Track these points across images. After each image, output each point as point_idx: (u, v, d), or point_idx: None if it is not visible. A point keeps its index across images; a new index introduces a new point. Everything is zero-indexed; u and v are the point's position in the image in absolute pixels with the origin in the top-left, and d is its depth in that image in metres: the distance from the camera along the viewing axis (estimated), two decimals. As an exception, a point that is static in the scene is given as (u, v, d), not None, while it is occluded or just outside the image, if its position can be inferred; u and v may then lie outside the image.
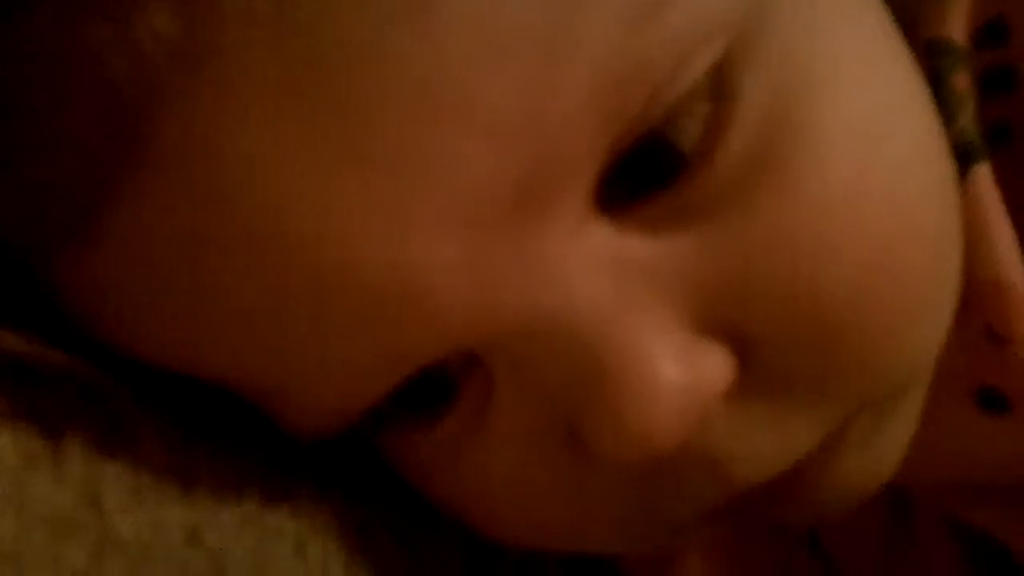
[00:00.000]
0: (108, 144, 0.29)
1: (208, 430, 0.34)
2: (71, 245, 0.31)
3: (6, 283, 0.33)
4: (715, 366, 0.32)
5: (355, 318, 0.31)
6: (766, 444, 0.34)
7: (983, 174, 0.38)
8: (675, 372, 0.31)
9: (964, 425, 0.40)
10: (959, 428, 0.40)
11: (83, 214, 0.30)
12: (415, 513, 0.37)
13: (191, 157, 0.29)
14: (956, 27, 0.39)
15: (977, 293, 0.38)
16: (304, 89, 0.28)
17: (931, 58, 0.39)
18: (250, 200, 0.29)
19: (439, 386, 0.34)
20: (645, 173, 0.31)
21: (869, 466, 0.37)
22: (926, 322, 0.35)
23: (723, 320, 0.32)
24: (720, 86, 0.31)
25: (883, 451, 0.37)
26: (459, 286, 0.30)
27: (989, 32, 0.39)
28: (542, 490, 0.35)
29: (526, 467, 0.34)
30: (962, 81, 0.39)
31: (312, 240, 0.30)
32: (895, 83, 0.35)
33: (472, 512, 0.37)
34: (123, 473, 0.31)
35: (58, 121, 0.29)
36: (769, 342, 0.33)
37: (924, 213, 0.34)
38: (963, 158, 0.38)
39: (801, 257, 0.32)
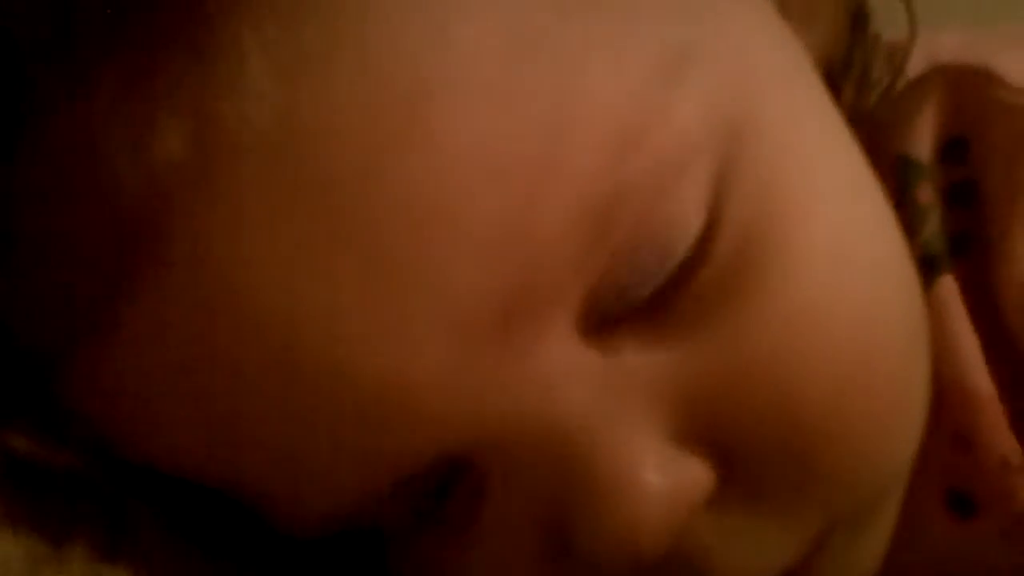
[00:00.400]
0: (121, 257, 0.31)
1: (206, 530, 0.34)
2: (80, 350, 0.32)
3: (17, 381, 0.34)
4: (697, 475, 0.34)
5: (346, 422, 0.32)
6: (746, 552, 0.35)
7: (947, 284, 0.40)
8: (659, 480, 0.33)
9: (933, 526, 0.41)
10: (928, 529, 0.42)
11: (93, 322, 0.32)
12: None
13: (198, 270, 0.30)
14: (922, 144, 0.41)
15: (944, 398, 0.39)
16: (304, 207, 0.30)
17: (898, 173, 0.41)
18: (251, 312, 0.31)
19: (432, 487, 0.35)
20: (633, 288, 0.33)
21: (847, 572, 0.38)
22: (898, 430, 0.37)
23: (704, 430, 0.34)
24: (703, 208, 0.33)
25: (861, 557, 0.38)
26: (448, 394, 0.32)
27: (951, 149, 0.41)
28: None
29: (511, 567, 0.35)
30: (926, 195, 0.41)
31: (307, 346, 0.31)
32: (864, 206, 0.37)
33: None
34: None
35: (73, 234, 0.31)
36: (748, 452, 0.34)
37: (893, 327, 0.36)
38: (928, 268, 0.40)
39: (777, 373, 0.34)
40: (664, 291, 0.33)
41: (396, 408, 0.32)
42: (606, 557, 0.33)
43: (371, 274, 0.30)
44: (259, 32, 0.30)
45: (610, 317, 0.33)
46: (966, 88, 0.41)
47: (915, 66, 0.44)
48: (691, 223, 0.33)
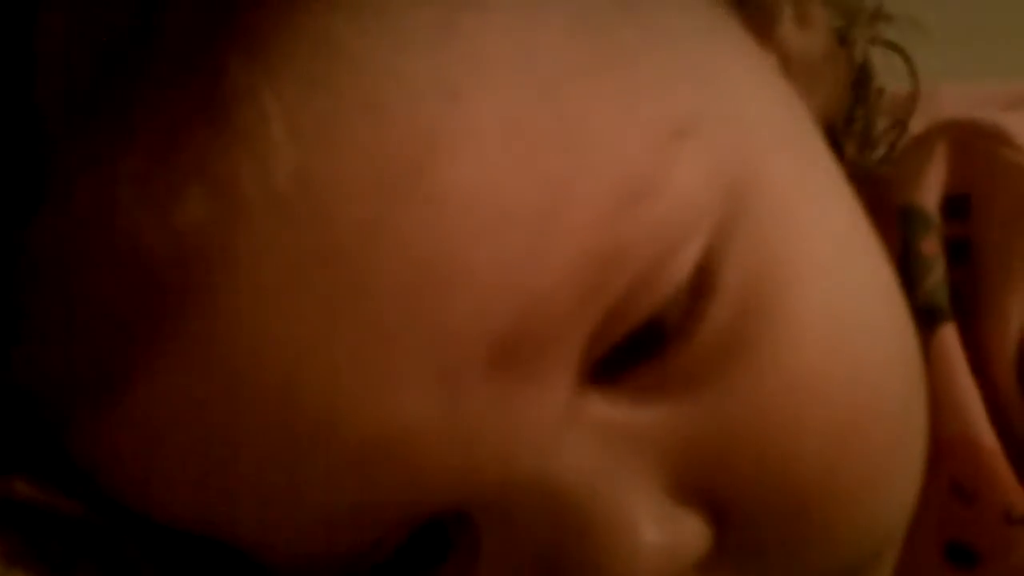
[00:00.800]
0: (138, 325, 0.31)
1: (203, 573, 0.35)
2: (93, 411, 0.33)
3: (23, 431, 0.34)
4: (692, 532, 0.34)
5: (341, 477, 0.32)
6: None
7: (949, 334, 0.40)
8: (655, 536, 0.33)
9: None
10: None
11: (108, 385, 0.32)
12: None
13: (214, 336, 0.31)
14: (929, 196, 0.41)
15: (944, 449, 0.40)
16: (312, 268, 0.30)
17: (903, 223, 0.41)
18: (254, 375, 0.31)
19: (433, 539, 0.35)
20: (630, 345, 0.33)
21: None
22: (893, 491, 0.37)
23: (700, 488, 0.34)
24: (701, 272, 0.33)
25: None
26: (441, 444, 0.32)
27: (953, 205, 0.42)
28: None
29: None
30: (931, 246, 0.41)
31: (305, 405, 0.31)
32: (864, 268, 0.37)
33: None
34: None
35: (92, 300, 0.31)
36: (743, 510, 0.34)
37: (889, 388, 0.36)
38: (930, 318, 0.40)
39: (772, 433, 0.34)
40: (662, 349, 0.33)
41: (389, 462, 0.32)
42: None
43: (369, 328, 0.31)
44: (280, 96, 0.30)
45: (607, 372, 0.33)
46: (973, 145, 0.41)
47: (917, 120, 0.44)
48: (688, 283, 0.33)
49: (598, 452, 0.33)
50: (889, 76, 0.45)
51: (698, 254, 0.33)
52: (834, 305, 0.35)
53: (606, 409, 0.33)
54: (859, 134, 0.43)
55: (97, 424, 0.33)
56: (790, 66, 0.39)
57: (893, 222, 0.41)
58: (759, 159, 0.35)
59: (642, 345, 0.33)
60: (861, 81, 0.44)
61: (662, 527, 0.33)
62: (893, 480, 0.37)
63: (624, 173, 0.32)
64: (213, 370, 0.31)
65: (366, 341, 0.31)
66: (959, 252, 0.41)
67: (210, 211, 0.30)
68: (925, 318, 0.40)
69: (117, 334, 0.31)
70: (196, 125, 0.30)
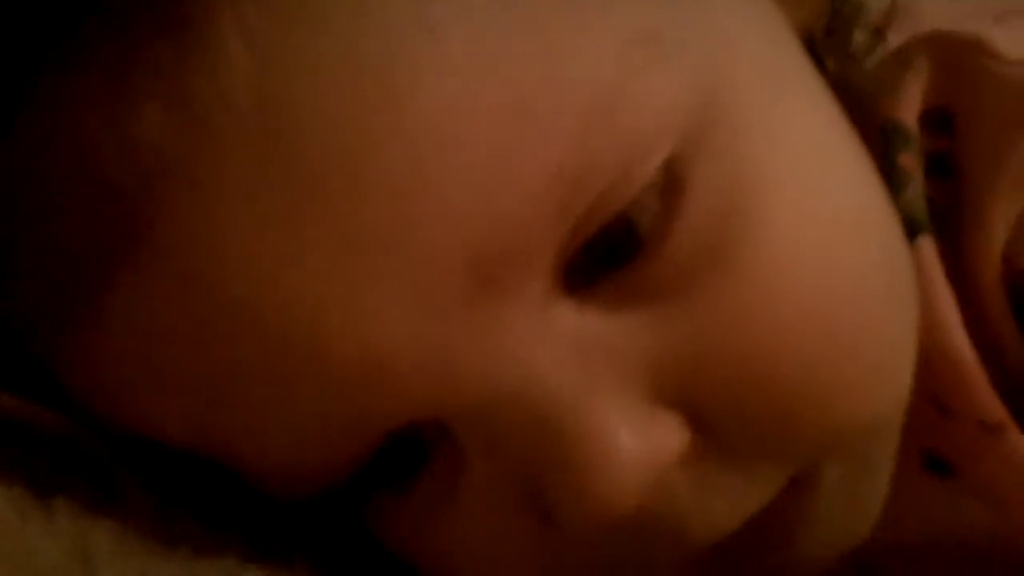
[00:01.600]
0: (107, 239, 0.31)
1: (190, 490, 0.35)
2: (71, 330, 0.33)
3: (9, 353, 0.35)
4: (670, 436, 0.34)
5: (326, 388, 0.33)
6: (721, 502, 0.35)
7: (927, 245, 0.41)
8: (632, 442, 0.33)
9: (911, 485, 0.42)
10: (906, 488, 0.42)
11: (83, 302, 0.33)
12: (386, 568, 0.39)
13: (181, 253, 0.31)
14: (908, 111, 0.42)
15: (923, 360, 0.40)
16: (282, 188, 0.31)
17: (884, 138, 0.41)
18: (232, 291, 0.32)
19: (413, 453, 0.36)
20: (604, 253, 0.34)
21: (846, 516, 0.39)
22: (877, 384, 0.37)
23: (677, 392, 0.34)
24: (671, 179, 0.34)
25: (857, 506, 0.39)
26: (421, 361, 0.33)
27: (936, 119, 0.42)
28: (511, 554, 0.37)
29: (495, 532, 0.36)
30: (909, 161, 0.41)
31: (286, 321, 0.32)
32: (839, 169, 0.38)
33: (442, 571, 0.38)
34: (110, 530, 0.32)
35: (61, 218, 0.32)
36: (721, 411, 0.35)
37: (867, 287, 0.37)
38: (908, 230, 0.40)
39: (748, 335, 0.34)
40: (636, 256, 0.34)
41: (373, 377, 0.32)
42: (583, 520, 0.34)
43: (346, 248, 0.31)
44: (238, 14, 0.30)
45: (582, 285, 0.34)
46: (957, 58, 0.41)
47: (896, 34, 0.44)
48: (658, 188, 0.33)
49: (575, 362, 0.34)
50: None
51: (665, 157, 0.33)
52: (811, 212, 0.36)
53: (583, 319, 0.34)
54: (838, 47, 0.43)
55: (78, 343, 0.33)
56: None
57: (874, 136, 0.41)
58: (735, 70, 0.35)
59: (616, 253, 0.34)
60: None
61: (639, 433, 0.33)
62: (877, 374, 0.37)
63: (593, 87, 0.32)
64: (183, 284, 0.32)
65: (340, 262, 0.31)
66: (941, 166, 0.41)
67: (169, 127, 0.30)
68: (904, 230, 0.40)
69: (88, 252, 0.32)
70: (153, 42, 0.30)
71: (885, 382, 0.37)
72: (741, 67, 0.36)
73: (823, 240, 0.36)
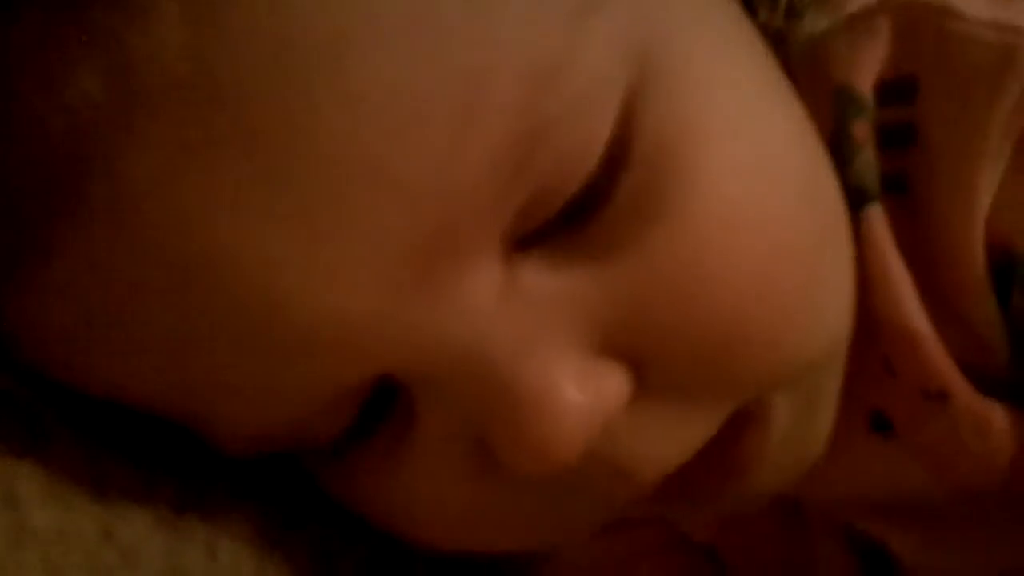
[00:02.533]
0: (44, 196, 0.32)
1: (121, 438, 0.36)
2: (14, 286, 0.33)
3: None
4: (612, 384, 0.35)
5: (282, 351, 0.33)
6: (664, 441, 0.36)
7: (876, 213, 0.41)
8: (575, 393, 0.34)
9: (857, 444, 0.43)
10: (853, 446, 0.43)
11: (20, 260, 0.33)
12: (327, 517, 0.39)
13: (120, 209, 0.31)
14: (864, 78, 0.41)
15: (877, 327, 0.41)
16: (226, 151, 0.31)
17: (837, 103, 0.41)
18: (177, 248, 0.32)
19: (366, 410, 0.36)
20: (554, 214, 0.34)
21: (793, 451, 0.40)
22: (803, 327, 0.38)
23: (620, 343, 0.35)
24: (616, 139, 0.34)
25: (805, 438, 0.40)
26: (377, 321, 0.33)
27: (897, 87, 0.42)
28: (462, 502, 0.37)
29: (446, 481, 0.37)
30: (861, 129, 0.41)
31: (239, 285, 0.32)
32: (774, 126, 0.38)
33: (396, 521, 0.39)
34: (37, 473, 0.33)
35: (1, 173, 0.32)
36: (662, 357, 0.36)
37: (798, 233, 0.37)
38: (858, 198, 0.41)
39: (686, 283, 0.35)
40: (581, 217, 0.34)
41: (330, 339, 0.33)
42: (532, 469, 0.34)
43: (297, 217, 0.31)
44: None
45: (530, 245, 0.34)
46: (920, 23, 0.41)
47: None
48: (602, 152, 0.34)
49: (523, 319, 0.34)
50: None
51: (614, 124, 0.34)
52: (744, 164, 0.36)
53: (531, 278, 0.35)
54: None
55: (22, 299, 0.33)
56: None
57: (826, 100, 0.41)
58: (668, 26, 0.36)
59: (565, 214, 0.34)
60: None
61: (581, 383, 0.34)
62: (805, 321, 0.38)
63: (535, 56, 0.33)
64: (124, 243, 0.32)
65: (294, 230, 0.32)
66: (906, 135, 0.41)
67: (105, 90, 0.30)
68: (854, 198, 0.41)
69: (27, 208, 0.32)
70: (90, 4, 0.30)
71: (817, 323, 0.38)
72: (675, 23, 0.36)
73: (755, 190, 0.36)
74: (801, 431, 0.39)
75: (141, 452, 0.36)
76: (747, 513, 0.46)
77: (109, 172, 0.31)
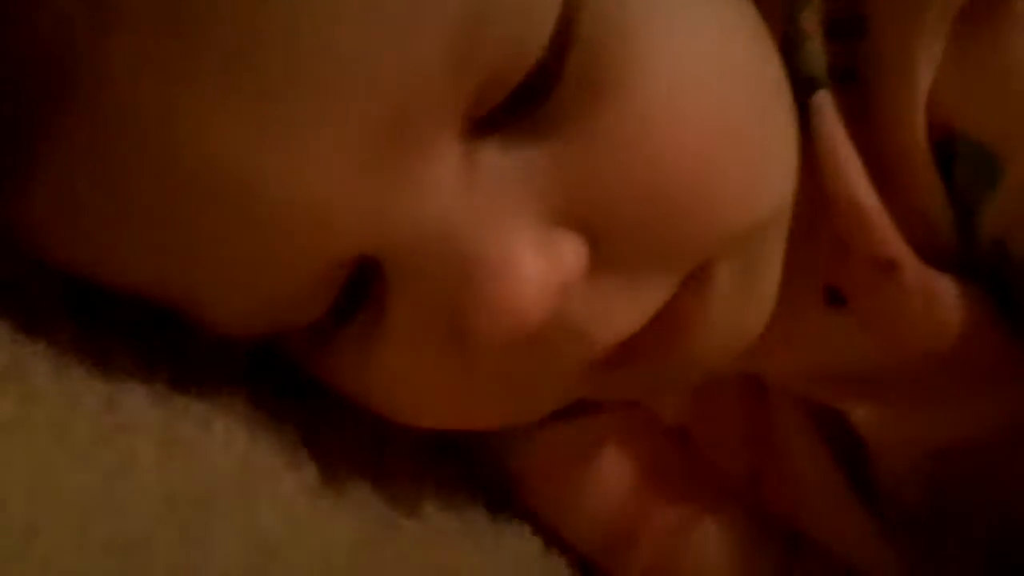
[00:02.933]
0: (36, 93, 0.34)
1: (119, 320, 0.39)
2: (7, 181, 0.36)
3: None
4: (569, 252, 0.38)
5: (261, 231, 0.36)
6: (620, 307, 0.39)
7: (824, 99, 0.44)
8: (533, 260, 0.37)
9: (814, 320, 0.46)
10: (810, 323, 0.46)
11: (16, 155, 0.35)
12: (317, 396, 0.42)
13: (107, 99, 0.34)
14: None
15: (826, 205, 0.44)
16: (196, 41, 0.33)
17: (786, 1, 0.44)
18: (158, 137, 0.34)
19: (344, 290, 0.39)
20: (507, 98, 0.37)
21: (737, 313, 0.42)
22: (746, 194, 0.40)
23: (574, 215, 0.38)
24: (561, 19, 0.37)
25: (751, 300, 0.43)
26: (349, 207, 0.36)
27: None
28: (436, 376, 0.40)
29: (420, 357, 0.40)
30: (809, 22, 0.44)
31: (217, 168, 0.35)
32: (713, 6, 0.41)
33: (376, 399, 0.42)
34: (44, 351, 0.35)
35: None
36: (614, 227, 0.38)
37: (738, 107, 0.40)
38: (808, 86, 0.44)
39: (630, 159, 0.38)
40: (533, 98, 0.37)
41: (304, 218, 0.36)
42: (495, 334, 0.37)
43: (265, 103, 0.34)
44: None
45: (488, 128, 0.37)
46: None
47: None
48: (549, 34, 0.36)
49: (482, 197, 0.37)
50: None
51: (559, 6, 0.36)
52: (684, 40, 0.39)
53: (488, 159, 0.37)
54: None
55: (15, 191, 0.36)
56: None
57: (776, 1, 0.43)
58: None
59: (517, 97, 0.37)
60: None
61: (540, 251, 0.37)
62: (745, 188, 0.40)
63: None
64: (114, 136, 0.34)
65: (263, 115, 0.34)
66: (849, 27, 0.44)
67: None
68: (804, 86, 0.43)
69: (21, 102, 0.34)
70: None
71: (755, 194, 0.41)
72: None
73: (696, 65, 0.39)
74: (742, 296, 0.42)
75: (138, 335, 0.39)
76: (714, 393, 0.49)
77: (94, 62, 0.33)
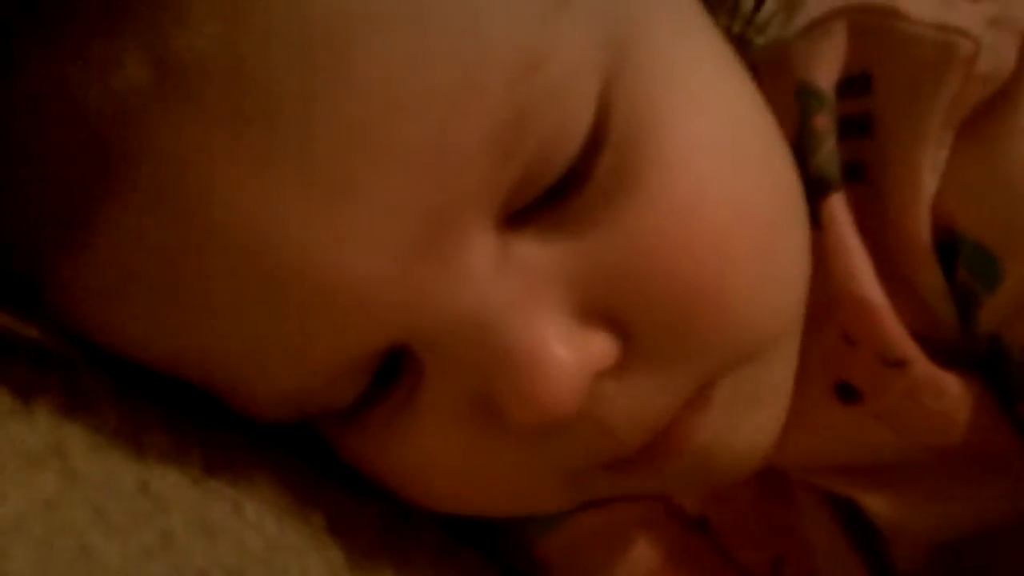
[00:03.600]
0: (91, 173, 0.36)
1: (157, 400, 0.40)
2: (56, 256, 0.37)
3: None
4: (598, 346, 0.39)
5: (300, 316, 0.37)
6: (645, 406, 0.41)
7: (837, 201, 0.45)
8: (564, 352, 0.38)
9: (826, 415, 0.47)
10: (823, 418, 0.47)
11: (67, 232, 0.37)
12: (342, 479, 0.43)
13: (161, 183, 0.36)
14: (825, 74, 0.46)
15: (835, 302, 0.45)
16: (251, 129, 0.35)
17: (799, 98, 0.46)
18: (210, 219, 0.36)
19: (376, 374, 0.40)
20: (543, 192, 0.38)
21: (744, 435, 0.43)
22: (767, 299, 0.42)
23: (604, 308, 0.39)
24: (596, 126, 0.38)
25: (756, 423, 0.44)
26: (385, 293, 0.37)
27: (853, 83, 0.46)
28: (463, 461, 0.42)
29: (449, 441, 0.41)
30: (822, 122, 0.46)
31: (262, 252, 0.36)
32: (733, 107, 0.43)
33: (402, 483, 0.44)
34: (82, 432, 0.36)
35: (52, 157, 0.36)
36: (638, 321, 0.40)
37: (757, 211, 0.42)
38: (821, 187, 0.45)
39: (654, 256, 0.40)
40: (565, 194, 0.39)
41: (343, 305, 0.37)
42: (526, 422, 0.39)
43: (314, 189, 0.36)
44: None
45: (522, 220, 0.39)
46: (870, 24, 0.45)
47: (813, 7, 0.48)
48: (584, 136, 0.38)
49: (515, 287, 0.38)
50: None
51: (594, 108, 0.38)
52: (707, 141, 0.41)
53: (522, 250, 0.39)
54: (729, 8, 0.47)
55: (69, 268, 0.37)
56: None
57: (789, 99, 0.45)
58: (636, 12, 0.40)
59: (551, 191, 0.38)
60: None
61: (570, 345, 0.38)
62: (767, 290, 0.42)
63: (520, 45, 0.37)
64: (164, 216, 0.36)
65: (312, 201, 0.36)
66: (860, 125, 0.45)
67: (147, 76, 0.34)
68: (817, 187, 0.45)
69: (75, 188, 0.36)
70: (130, 5, 0.34)
71: (772, 296, 0.42)
72: (642, 8, 0.40)
73: (718, 166, 0.41)
74: (736, 424, 0.43)
75: (172, 413, 0.40)
76: (731, 485, 0.50)
77: (147, 149, 0.35)
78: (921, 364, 0.45)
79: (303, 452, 0.44)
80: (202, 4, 0.34)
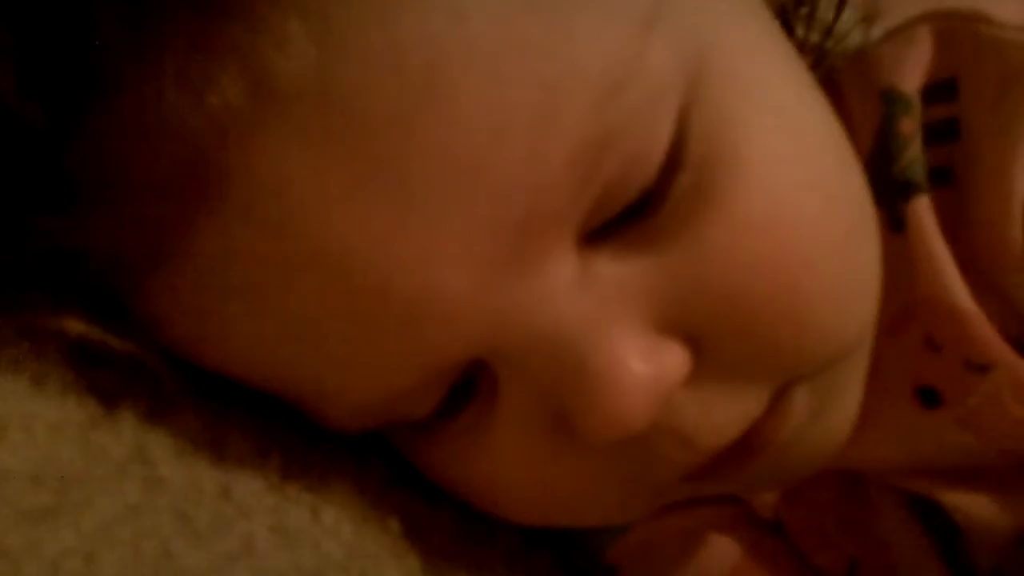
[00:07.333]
0: (187, 190, 0.36)
1: (238, 407, 0.41)
2: (148, 272, 0.38)
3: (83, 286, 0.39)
4: (673, 359, 0.40)
5: (388, 330, 0.38)
6: (721, 415, 0.41)
7: (923, 204, 0.45)
8: (640, 367, 0.39)
9: (907, 418, 0.47)
10: (903, 421, 0.47)
11: (167, 245, 0.37)
12: (419, 485, 0.44)
13: (255, 201, 0.36)
14: (910, 80, 0.46)
15: (919, 307, 0.45)
16: (344, 150, 0.36)
17: (885, 103, 0.46)
18: (302, 237, 0.36)
19: (456, 387, 0.41)
20: (621, 210, 0.39)
21: (818, 433, 0.44)
22: (841, 313, 0.42)
23: (679, 323, 0.40)
24: (674, 146, 0.39)
25: (829, 421, 0.44)
26: (471, 309, 0.38)
27: (940, 88, 0.46)
28: (538, 473, 0.42)
29: (526, 453, 0.42)
30: (908, 126, 0.46)
31: (354, 267, 0.37)
32: (808, 124, 0.43)
33: (478, 494, 0.44)
34: (166, 439, 0.37)
35: (146, 171, 0.36)
36: (715, 336, 0.40)
37: (833, 225, 0.42)
38: (906, 190, 0.45)
39: (734, 269, 0.40)
40: (643, 212, 0.39)
41: (428, 321, 0.38)
42: (603, 435, 0.39)
43: (404, 208, 0.36)
44: (300, 5, 0.35)
45: (600, 238, 0.39)
46: (956, 29, 0.45)
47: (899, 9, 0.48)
48: (663, 156, 0.38)
49: (594, 303, 0.39)
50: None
51: (673, 129, 0.38)
52: (783, 158, 0.41)
53: (600, 267, 0.39)
54: (806, 16, 0.47)
55: (156, 282, 0.38)
56: None
57: (873, 104, 0.45)
58: (714, 33, 0.40)
59: (628, 210, 0.39)
60: None
61: (646, 359, 0.39)
62: (839, 302, 0.42)
63: (605, 68, 0.37)
64: (257, 233, 0.36)
65: (402, 220, 0.36)
66: (946, 131, 0.45)
67: (243, 96, 0.35)
68: (902, 190, 0.45)
69: (170, 202, 0.36)
70: (227, 24, 0.35)
71: (850, 308, 0.43)
72: (720, 29, 0.41)
73: (795, 182, 0.41)
74: (818, 419, 0.43)
75: (251, 418, 0.41)
76: (808, 485, 0.50)
77: (243, 168, 0.35)
78: (1007, 369, 0.44)
79: (377, 456, 0.44)
80: (298, 28, 0.35)
